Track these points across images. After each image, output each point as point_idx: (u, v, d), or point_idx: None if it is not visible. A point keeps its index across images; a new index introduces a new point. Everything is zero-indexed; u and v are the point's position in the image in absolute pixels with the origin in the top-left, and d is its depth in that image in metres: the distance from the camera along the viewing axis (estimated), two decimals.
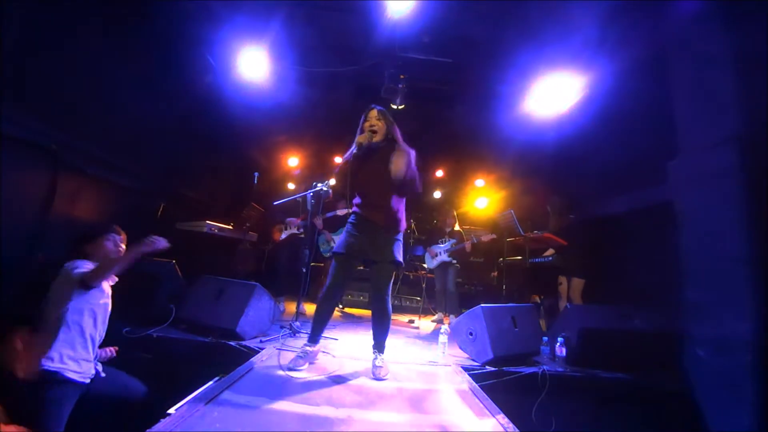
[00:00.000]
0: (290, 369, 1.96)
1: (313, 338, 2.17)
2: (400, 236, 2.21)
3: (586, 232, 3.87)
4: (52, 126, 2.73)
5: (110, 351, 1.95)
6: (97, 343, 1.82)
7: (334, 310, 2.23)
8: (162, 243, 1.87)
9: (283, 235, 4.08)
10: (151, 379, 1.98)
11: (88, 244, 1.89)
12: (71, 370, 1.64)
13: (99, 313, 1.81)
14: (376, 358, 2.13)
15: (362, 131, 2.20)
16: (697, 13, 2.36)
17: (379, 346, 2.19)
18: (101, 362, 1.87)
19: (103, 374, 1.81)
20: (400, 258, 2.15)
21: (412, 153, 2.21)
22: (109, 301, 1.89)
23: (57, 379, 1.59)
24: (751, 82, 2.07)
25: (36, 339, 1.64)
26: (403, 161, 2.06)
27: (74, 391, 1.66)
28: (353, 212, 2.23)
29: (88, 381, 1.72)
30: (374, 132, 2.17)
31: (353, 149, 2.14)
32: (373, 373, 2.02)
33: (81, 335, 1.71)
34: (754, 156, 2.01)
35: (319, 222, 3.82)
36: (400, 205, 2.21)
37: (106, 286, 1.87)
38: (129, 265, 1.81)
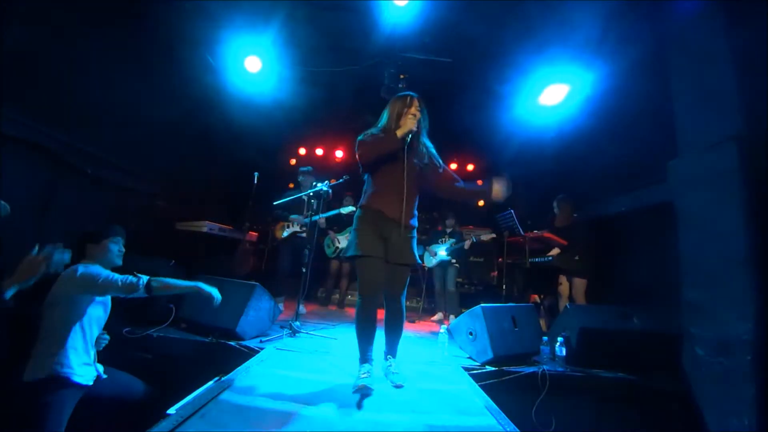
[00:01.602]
0: (360, 392, 1.71)
1: (364, 358, 1.93)
2: (415, 233, 2.03)
3: (588, 231, 3.87)
4: (52, 126, 2.73)
5: (102, 339, 1.90)
6: (93, 344, 1.81)
7: (375, 322, 1.95)
8: (217, 296, 1.95)
9: (285, 234, 4.05)
10: (151, 379, 1.98)
11: (93, 244, 1.86)
12: (78, 374, 1.64)
13: (101, 317, 1.82)
14: (390, 365, 1.99)
15: (398, 115, 1.97)
16: (697, 12, 2.36)
17: (392, 352, 2.05)
18: (98, 354, 1.86)
19: (104, 376, 1.80)
20: (418, 258, 2.01)
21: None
22: (110, 304, 1.89)
23: (64, 383, 1.59)
24: (751, 82, 2.07)
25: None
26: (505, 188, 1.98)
27: (76, 394, 1.66)
28: (366, 207, 1.98)
29: (90, 383, 1.71)
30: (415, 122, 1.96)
31: (407, 134, 1.89)
32: (392, 381, 1.89)
33: (84, 339, 1.71)
34: (754, 156, 2.01)
35: (322, 222, 3.81)
36: (416, 203, 2.07)
37: None
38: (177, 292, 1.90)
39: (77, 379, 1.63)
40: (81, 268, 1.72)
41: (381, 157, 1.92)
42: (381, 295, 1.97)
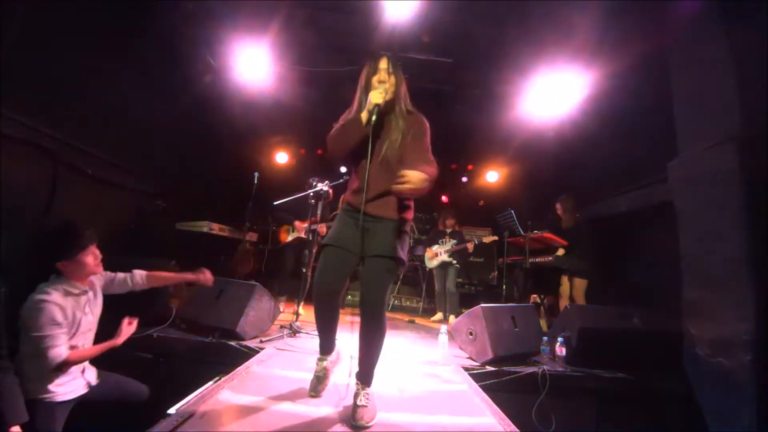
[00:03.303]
0: (312, 396, 1.67)
1: (323, 350, 1.75)
2: (407, 227, 1.65)
3: (590, 232, 3.87)
4: (52, 126, 2.73)
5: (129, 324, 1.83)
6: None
7: (334, 312, 1.70)
8: (209, 278, 1.81)
9: (290, 238, 4.10)
10: (151, 379, 1.98)
11: (66, 261, 1.61)
12: (60, 394, 1.57)
13: (82, 326, 1.68)
14: (359, 394, 1.50)
15: (365, 87, 1.66)
16: (697, 13, 2.36)
17: (365, 377, 1.56)
18: (89, 362, 1.77)
19: (95, 382, 1.73)
20: (403, 254, 1.57)
21: (426, 125, 1.73)
22: (98, 304, 1.81)
23: (47, 406, 1.53)
24: (751, 82, 2.06)
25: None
26: (419, 178, 1.43)
27: (65, 409, 1.60)
28: (343, 200, 1.75)
29: (81, 393, 1.65)
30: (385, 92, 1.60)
31: (372, 112, 1.55)
32: (354, 417, 1.41)
33: None
34: (754, 156, 2.01)
35: (323, 230, 3.81)
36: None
37: (93, 293, 1.79)
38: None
39: (60, 398, 1.57)
40: (29, 300, 1.53)
41: (351, 149, 1.60)
42: (336, 285, 1.63)
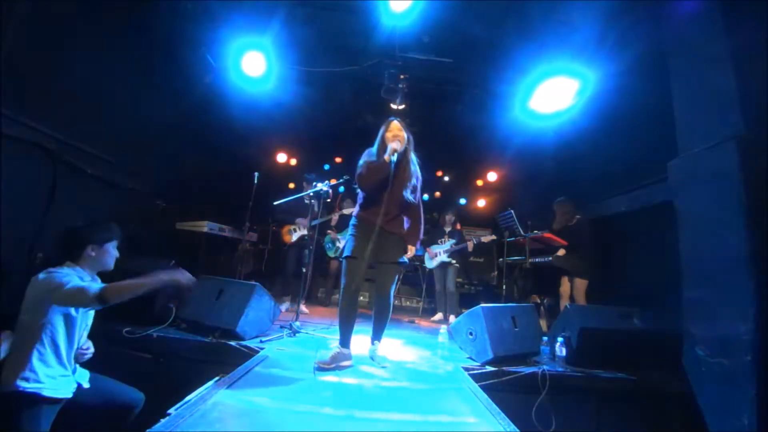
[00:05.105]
0: (318, 367, 2.05)
1: (343, 342, 2.22)
2: (401, 237, 2.35)
3: (590, 232, 3.87)
4: (52, 126, 2.73)
5: (83, 352, 1.75)
6: (74, 352, 1.67)
7: (356, 311, 2.29)
8: (187, 277, 1.72)
9: (294, 237, 4.12)
10: (151, 379, 1.98)
11: (95, 245, 1.68)
12: (49, 389, 1.51)
13: (77, 324, 1.64)
14: (377, 347, 2.33)
15: (383, 140, 2.32)
16: (697, 12, 2.36)
17: (378, 335, 2.36)
18: (80, 365, 1.73)
19: (86, 386, 1.68)
20: (405, 258, 2.34)
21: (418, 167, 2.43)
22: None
23: (33, 399, 1.48)
24: (751, 82, 2.06)
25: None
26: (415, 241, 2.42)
27: (53, 408, 1.55)
28: (358, 216, 2.32)
29: (69, 396, 1.60)
30: (400, 142, 2.27)
31: (392, 156, 2.17)
32: (375, 360, 2.25)
33: (57, 351, 1.56)
34: (754, 156, 2.01)
35: (334, 220, 4.17)
36: (401, 211, 2.37)
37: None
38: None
39: (49, 393, 1.50)
40: (43, 274, 1.54)
41: (376, 183, 2.23)
42: (357, 285, 2.23)
